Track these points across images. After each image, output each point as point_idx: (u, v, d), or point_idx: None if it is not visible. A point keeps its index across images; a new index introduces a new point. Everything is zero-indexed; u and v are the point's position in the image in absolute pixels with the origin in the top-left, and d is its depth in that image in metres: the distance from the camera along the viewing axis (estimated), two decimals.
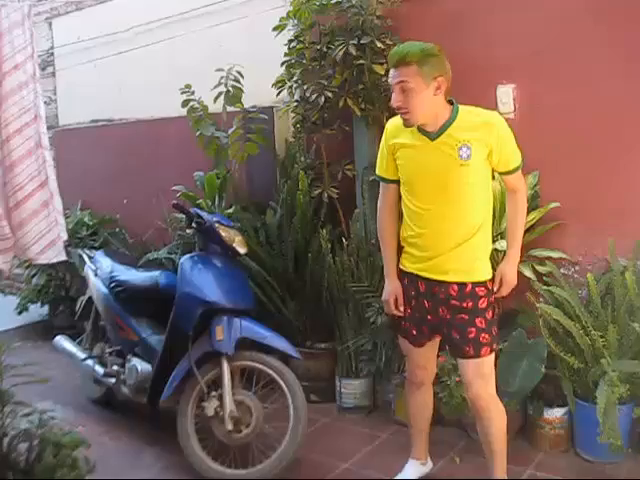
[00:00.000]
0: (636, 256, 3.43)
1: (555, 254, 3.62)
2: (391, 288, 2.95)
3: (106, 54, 5.91)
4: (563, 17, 3.61)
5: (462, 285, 2.72)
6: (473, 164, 2.63)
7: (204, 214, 3.58)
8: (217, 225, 3.53)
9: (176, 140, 5.22)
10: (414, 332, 2.94)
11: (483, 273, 2.77)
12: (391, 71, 2.65)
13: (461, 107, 2.70)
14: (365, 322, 3.90)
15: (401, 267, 2.93)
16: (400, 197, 2.89)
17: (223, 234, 3.53)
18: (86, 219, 5.76)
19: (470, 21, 3.88)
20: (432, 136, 2.67)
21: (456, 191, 2.67)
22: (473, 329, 2.73)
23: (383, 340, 3.85)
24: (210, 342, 3.36)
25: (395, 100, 2.62)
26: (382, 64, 3.79)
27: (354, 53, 3.79)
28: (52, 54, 6.61)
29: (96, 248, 5.16)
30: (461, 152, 2.62)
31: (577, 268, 3.63)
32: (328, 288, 4.10)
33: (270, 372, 3.36)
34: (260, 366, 3.39)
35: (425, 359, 3.01)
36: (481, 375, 2.78)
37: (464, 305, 2.72)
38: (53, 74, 6.62)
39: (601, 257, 3.55)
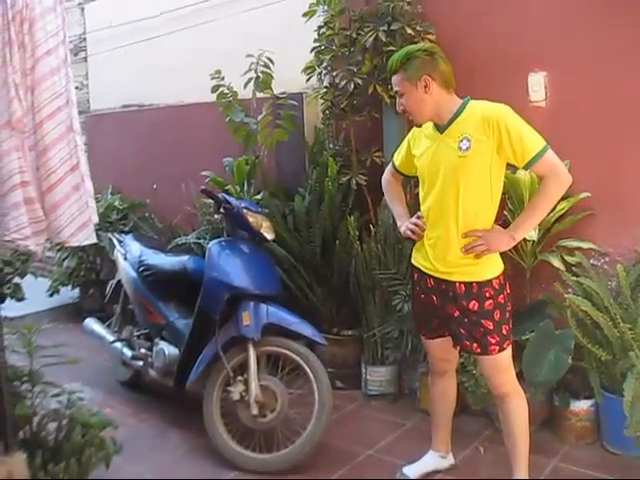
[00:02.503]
0: None
1: (585, 245, 3.57)
2: (404, 222, 2.99)
3: (137, 40, 5.93)
4: (597, 4, 3.54)
5: (468, 284, 2.72)
6: (471, 156, 2.61)
7: (232, 200, 3.58)
8: (245, 211, 3.53)
9: (206, 125, 5.22)
10: (424, 326, 2.97)
11: (489, 271, 2.73)
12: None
13: (472, 102, 2.72)
14: (392, 309, 3.89)
15: (412, 262, 2.95)
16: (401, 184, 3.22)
17: (250, 220, 3.53)
18: (116, 203, 5.79)
19: (502, 8, 3.83)
20: (441, 129, 2.72)
21: (454, 183, 2.66)
22: (480, 329, 2.72)
23: (409, 328, 3.83)
24: (237, 327, 3.38)
25: (398, 105, 2.76)
26: None
27: (384, 39, 3.77)
28: (84, 39, 6.65)
29: (126, 232, 5.16)
30: (461, 144, 2.63)
31: (607, 259, 3.58)
32: (355, 275, 4.09)
33: (296, 358, 3.37)
34: (286, 352, 3.41)
35: (442, 351, 3.00)
36: (498, 369, 2.79)
37: (470, 306, 2.71)
38: (85, 59, 6.66)
39: (631, 248, 3.49)
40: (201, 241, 4.58)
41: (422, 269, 2.86)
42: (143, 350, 4.02)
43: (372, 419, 3.90)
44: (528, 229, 2.76)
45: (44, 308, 5.97)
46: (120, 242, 4.52)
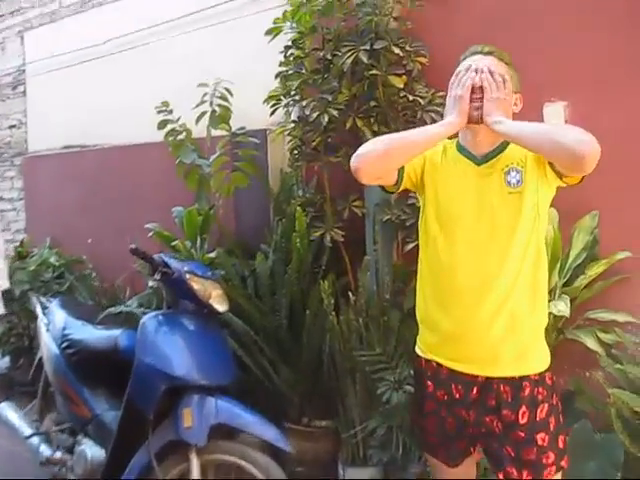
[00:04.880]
0: None
1: (621, 317, 2.88)
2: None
3: (81, 72, 5.40)
4: (626, 25, 2.98)
5: (515, 385, 2.00)
6: (525, 192, 1.98)
7: (172, 262, 2.89)
8: (188, 276, 2.85)
9: (156, 169, 4.65)
10: (447, 451, 2.17)
11: (541, 359, 2.06)
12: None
13: None
14: (376, 399, 3.13)
15: (420, 354, 2.18)
16: None
17: (196, 287, 2.85)
18: (52, 259, 5.16)
19: (509, 28, 3.24)
20: (478, 160, 2.06)
21: (502, 229, 1.99)
22: (533, 449, 1.99)
23: (399, 423, 3.08)
24: (176, 429, 2.66)
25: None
26: (400, 75, 3.15)
27: (365, 61, 3.14)
28: (23, 72, 6.08)
29: (62, 293, 4.65)
30: (509, 177, 2.01)
31: None
32: (330, 354, 3.39)
33: (253, 470, 2.64)
34: (240, 462, 2.68)
35: (462, 474, 2.21)
36: None
37: (519, 418, 1.99)
38: (24, 93, 6.09)
39: None
40: (141, 310, 3.84)
41: (442, 363, 2.09)
42: (59, 454, 3.22)
43: None
44: (510, 129, 1.95)
45: None
46: (44, 309, 3.75)
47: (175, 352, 2.77)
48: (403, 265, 3.36)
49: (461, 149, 2.09)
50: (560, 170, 1.92)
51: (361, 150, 2.01)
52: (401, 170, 2.09)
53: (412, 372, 2.90)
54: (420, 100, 3.20)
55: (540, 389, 2.00)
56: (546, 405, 2.00)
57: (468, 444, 2.14)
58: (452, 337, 2.04)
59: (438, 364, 2.09)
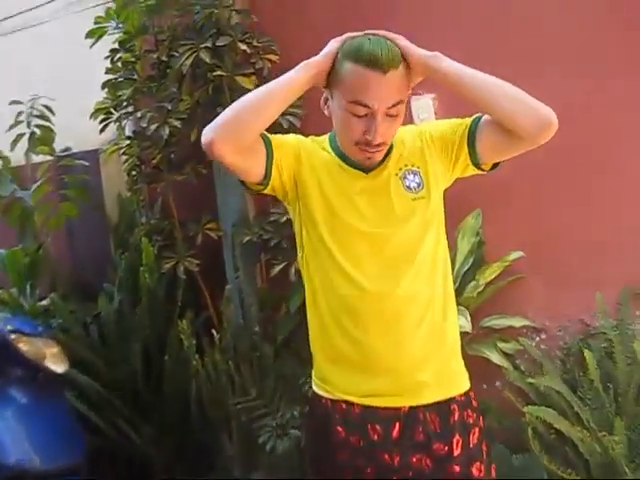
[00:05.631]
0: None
1: (517, 322, 2.69)
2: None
3: None
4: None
5: (443, 410, 1.67)
6: (431, 195, 1.68)
7: None
8: (14, 337, 2.43)
9: None
10: None
11: (463, 376, 1.76)
12: (372, 79, 1.58)
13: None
14: (260, 449, 2.73)
15: (323, 394, 1.76)
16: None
17: (25, 349, 2.45)
18: None
19: (366, 16, 2.94)
20: (364, 168, 1.69)
21: (411, 241, 1.68)
22: None
23: (289, 473, 2.68)
24: None
25: (380, 134, 1.59)
26: (249, 75, 2.82)
27: (208, 61, 2.79)
28: None
29: None
30: (407, 182, 1.69)
31: (543, 336, 2.73)
32: (198, 402, 2.94)
33: None
34: None
35: None
36: None
37: (453, 449, 1.67)
38: None
39: (575, 318, 2.67)
40: None
41: (355, 401, 1.71)
42: None
43: None
44: (455, 68, 1.61)
45: None
46: None
47: (5, 434, 2.33)
48: (269, 290, 3.05)
49: (340, 155, 1.71)
50: (490, 149, 1.63)
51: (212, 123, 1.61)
52: (269, 157, 1.66)
53: (296, 413, 2.58)
54: None
55: (469, 411, 1.71)
56: (477, 429, 1.71)
57: None
58: (364, 366, 1.69)
59: (348, 403, 1.71)
